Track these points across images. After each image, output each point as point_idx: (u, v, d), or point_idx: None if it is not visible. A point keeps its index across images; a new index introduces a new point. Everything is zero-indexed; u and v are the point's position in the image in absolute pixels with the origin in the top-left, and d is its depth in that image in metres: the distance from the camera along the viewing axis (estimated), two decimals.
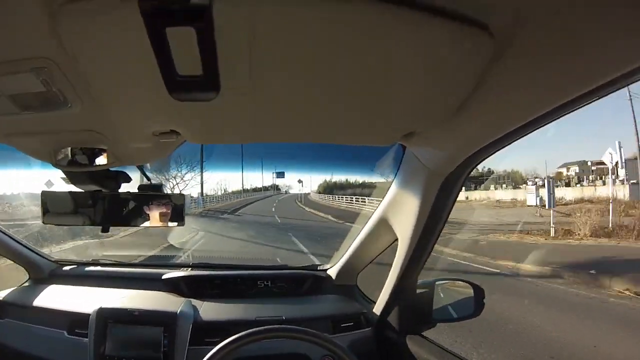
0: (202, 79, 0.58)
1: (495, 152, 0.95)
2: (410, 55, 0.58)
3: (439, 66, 0.61)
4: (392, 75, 0.63)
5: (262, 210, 21.65)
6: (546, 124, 0.77)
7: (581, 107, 0.68)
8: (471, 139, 0.90)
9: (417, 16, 0.50)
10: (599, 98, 0.65)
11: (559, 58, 0.57)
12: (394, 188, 1.38)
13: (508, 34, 0.54)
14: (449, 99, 0.72)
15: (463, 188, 1.25)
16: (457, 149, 0.97)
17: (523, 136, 0.84)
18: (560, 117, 0.73)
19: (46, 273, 1.90)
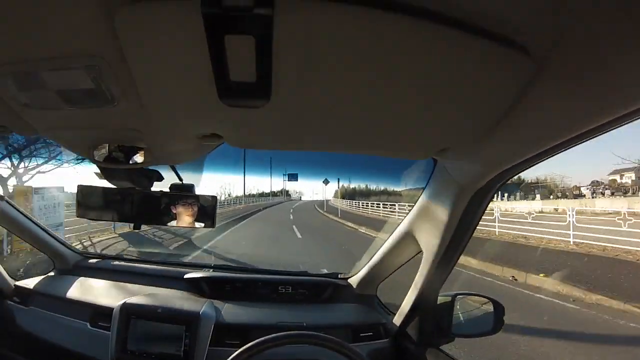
0: (255, 86, 0.59)
1: (526, 168, 0.95)
2: (449, 73, 0.59)
3: (477, 84, 0.62)
4: (431, 92, 0.64)
5: (276, 224, 16.45)
6: (576, 145, 0.76)
7: (615, 128, 0.68)
8: (503, 156, 0.90)
9: (458, 35, 0.51)
10: (632, 121, 0.64)
11: (596, 81, 0.57)
12: (422, 201, 1.38)
13: (546, 56, 0.54)
14: (485, 117, 0.73)
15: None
16: (489, 166, 0.97)
17: (555, 155, 0.83)
18: (591, 138, 0.72)
19: (71, 264, 1.96)
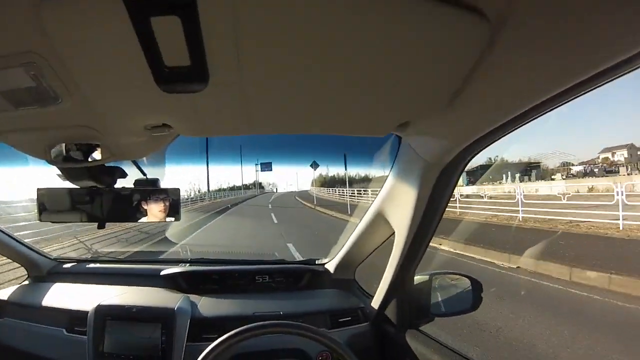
0: (190, 69, 0.57)
1: (494, 141, 0.94)
2: (403, 41, 0.57)
3: (432, 52, 0.60)
4: (384, 63, 0.62)
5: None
6: (547, 112, 0.75)
7: (582, 94, 0.67)
8: (468, 128, 0.89)
9: (410, 0, 0.49)
10: (602, 85, 0.63)
11: (557, 43, 0.56)
12: (389, 181, 1.37)
13: (503, 18, 0.53)
14: (443, 87, 0.71)
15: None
16: (453, 139, 0.96)
17: (523, 124, 0.82)
18: (561, 104, 0.71)
19: (45, 271, 1.91)
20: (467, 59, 0.62)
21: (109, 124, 0.83)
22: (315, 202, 22.78)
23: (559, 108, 0.75)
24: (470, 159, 1.08)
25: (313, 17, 0.51)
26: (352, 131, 0.96)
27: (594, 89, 0.65)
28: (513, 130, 0.86)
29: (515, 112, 0.76)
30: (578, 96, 0.68)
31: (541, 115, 0.77)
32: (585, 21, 0.51)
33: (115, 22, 0.48)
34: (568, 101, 0.70)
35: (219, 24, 0.51)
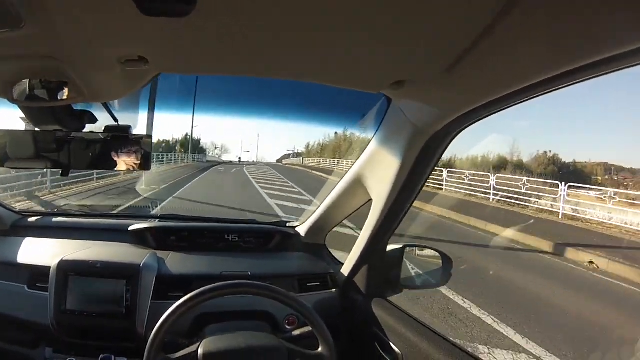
0: None
1: (485, 116, 0.92)
2: None
3: (444, 10, 0.56)
4: (390, 11, 0.58)
5: None
6: (546, 92, 0.74)
7: (587, 79, 0.65)
8: (465, 96, 0.87)
9: None
10: (607, 73, 0.62)
11: (575, 18, 0.53)
12: (372, 145, 1.35)
13: None
14: (447, 49, 0.68)
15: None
16: (447, 106, 0.93)
17: (522, 101, 0.80)
18: (564, 86, 0.70)
19: (8, 225, 1.81)
20: (477, 24, 0.59)
21: (77, 54, 0.76)
22: None
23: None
24: (458, 133, 1.07)
25: None
26: (345, 83, 0.92)
27: (597, 76, 0.64)
28: (506, 108, 0.85)
29: (518, 85, 0.74)
30: (577, 82, 0.67)
31: (541, 94, 0.75)
32: (600, 8, 0.49)
33: None
34: (564, 86, 0.69)
35: None
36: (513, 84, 0.74)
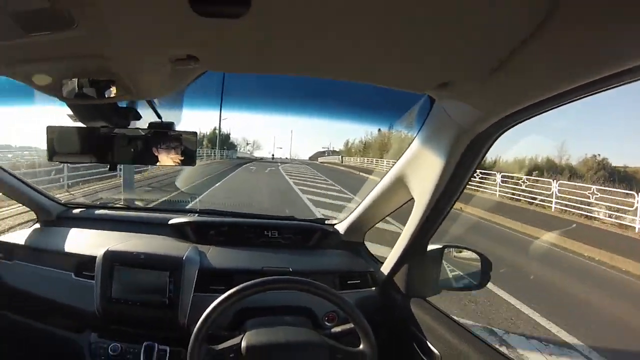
0: None
1: (529, 117, 0.91)
2: None
3: (491, 14, 0.56)
4: (438, 15, 0.58)
5: None
6: (591, 94, 0.72)
7: (632, 81, 0.64)
8: (509, 98, 0.85)
9: None
10: None
11: (617, 25, 0.53)
12: (415, 144, 1.32)
13: None
14: (493, 52, 0.68)
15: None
16: (492, 107, 0.92)
17: (564, 104, 0.79)
18: (604, 90, 0.69)
19: (54, 216, 1.90)
20: (522, 29, 0.60)
21: (129, 54, 0.77)
22: None
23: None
24: (502, 133, 1.04)
25: None
26: (392, 83, 0.91)
27: (635, 81, 0.63)
28: (549, 110, 0.84)
29: (556, 91, 0.74)
30: (620, 85, 0.66)
31: (585, 96, 0.75)
32: None
33: None
34: (609, 88, 0.68)
35: None
36: (555, 87, 0.74)
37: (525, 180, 14.39)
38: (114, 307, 1.43)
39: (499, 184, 14.69)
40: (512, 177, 15.41)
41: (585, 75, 0.67)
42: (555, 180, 13.25)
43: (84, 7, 0.59)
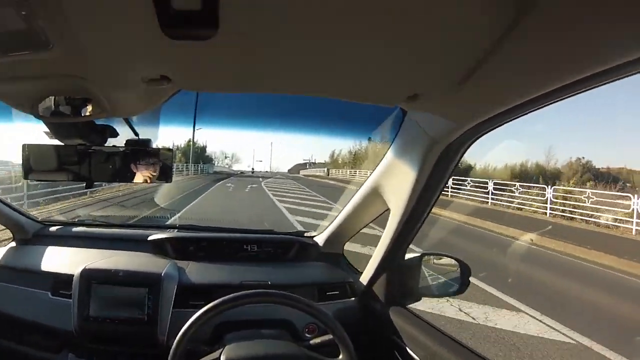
0: (200, 14, 0.53)
1: (499, 124, 0.94)
2: (426, 10, 0.54)
3: (455, 26, 0.58)
4: (404, 30, 0.59)
5: None
6: (559, 100, 0.75)
7: (602, 84, 0.66)
8: (478, 107, 0.88)
9: None
10: (623, 77, 0.63)
11: (583, 31, 0.54)
12: (389, 156, 1.35)
13: (532, 2, 0.51)
14: (459, 63, 0.69)
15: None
16: (462, 117, 0.95)
17: (535, 109, 0.82)
18: (574, 94, 0.71)
19: (31, 234, 1.85)
20: (487, 39, 0.61)
21: (104, 75, 0.78)
22: None
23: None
24: (473, 142, 1.08)
25: None
26: (362, 98, 0.93)
27: (610, 81, 0.65)
28: (520, 116, 0.86)
29: (525, 97, 0.76)
30: (583, 91, 0.69)
31: (549, 104, 0.77)
32: (613, 14, 0.50)
33: None
34: (583, 91, 0.70)
35: None
36: (525, 94, 0.76)
37: (519, 187, 14.76)
38: (92, 326, 1.40)
39: (491, 192, 15.03)
40: (508, 185, 15.70)
41: (552, 82, 0.69)
42: (549, 186, 13.65)
43: (59, 29, 0.60)
